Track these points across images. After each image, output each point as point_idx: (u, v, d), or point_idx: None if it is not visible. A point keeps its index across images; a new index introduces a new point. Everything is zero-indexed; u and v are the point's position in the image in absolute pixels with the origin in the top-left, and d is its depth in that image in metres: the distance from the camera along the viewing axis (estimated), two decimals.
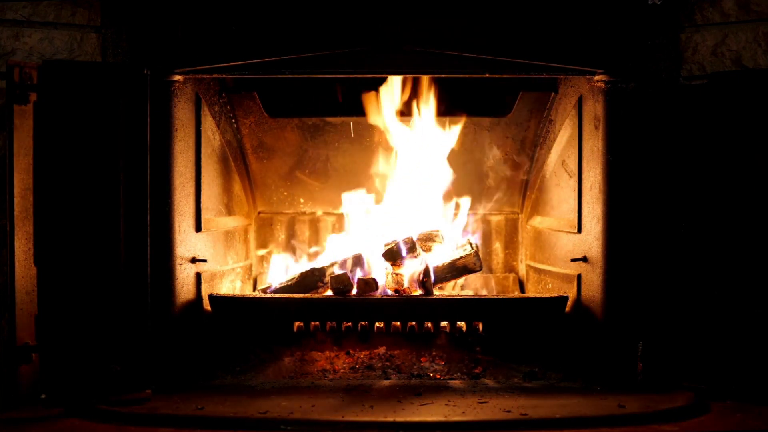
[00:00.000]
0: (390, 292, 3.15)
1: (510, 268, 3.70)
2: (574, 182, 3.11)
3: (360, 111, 3.51)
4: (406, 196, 3.46)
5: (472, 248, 3.26)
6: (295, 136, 3.58)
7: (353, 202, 3.50)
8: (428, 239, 3.27)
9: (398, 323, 3.17)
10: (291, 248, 3.64)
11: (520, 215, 3.67)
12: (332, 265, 3.27)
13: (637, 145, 2.93)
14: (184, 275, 3.02)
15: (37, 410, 2.69)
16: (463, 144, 3.53)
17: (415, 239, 3.18)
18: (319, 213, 3.67)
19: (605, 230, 2.96)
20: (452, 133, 3.49)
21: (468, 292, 3.44)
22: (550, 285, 3.33)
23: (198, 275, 3.09)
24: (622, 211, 2.94)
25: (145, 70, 2.87)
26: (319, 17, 2.90)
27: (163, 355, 2.93)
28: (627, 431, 2.48)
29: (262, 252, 3.64)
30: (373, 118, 3.46)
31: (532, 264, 3.51)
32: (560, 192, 3.29)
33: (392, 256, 3.15)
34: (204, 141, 3.13)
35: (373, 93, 3.43)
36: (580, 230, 3.08)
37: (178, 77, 2.96)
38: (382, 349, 3.19)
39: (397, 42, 2.88)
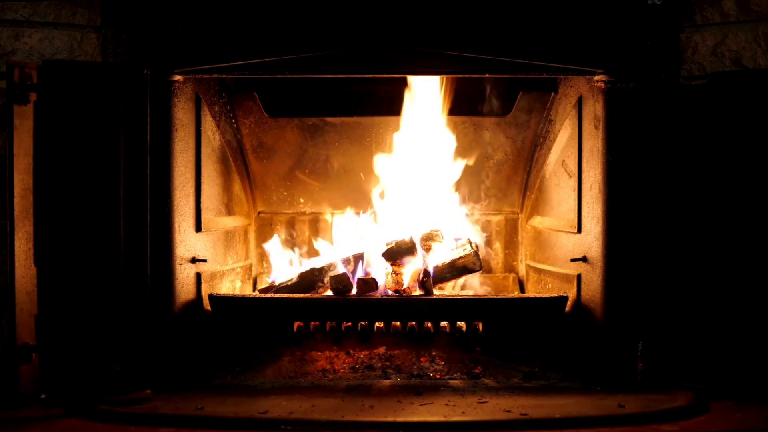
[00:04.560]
0: (390, 292, 3.15)
1: (510, 268, 3.70)
2: (573, 182, 3.11)
3: (360, 111, 3.51)
4: (406, 196, 3.46)
5: (471, 248, 3.26)
6: (295, 136, 3.58)
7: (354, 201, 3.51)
8: (428, 239, 3.27)
9: (398, 323, 3.17)
10: (291, 248, 3.64)
11: (520, 215, 3.67)
12: (332, 265, 3.27)
13: (636, 145, 2.93)
14: (184, 275, 3.02)
15: (37, 410, 2.69)
16: (462, 144, 3.53)
17: (415, 239, 3.19)
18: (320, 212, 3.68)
19: (605, 230, 2.96)
20: (452, 132, 3.49)
21: (468, 292, 3.45)
22: (550, 285, 3.33)
23: (198, 275, 3.09)
24: (622, 211, 2.94)
25: (145, 70, 2.87)
26: (319, 17, 2.90)
27: (163, 355, 2.93)
28: (627, 431, 2.48)
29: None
30: (374, 118, 3.48)
31: (532, 264, 3.51)
32: (560, 192, 3.29)
33: (392, 256, 3.15)
34: (204, 141, 3.13)
35: (373, 92, 3.44)
36: (579, 230, 3.08)
37: (178, 77, 2.96)
38: (382, 349, 3.19)
39: (397, 42, 2.88)
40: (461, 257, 3.25)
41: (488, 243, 3.66)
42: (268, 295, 3.23)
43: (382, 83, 3.42)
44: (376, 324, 3.17)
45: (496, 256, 3.69)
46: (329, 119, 3.55)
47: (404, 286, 3.14)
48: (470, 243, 3.30)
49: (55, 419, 2.60)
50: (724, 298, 2.84)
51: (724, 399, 2.77)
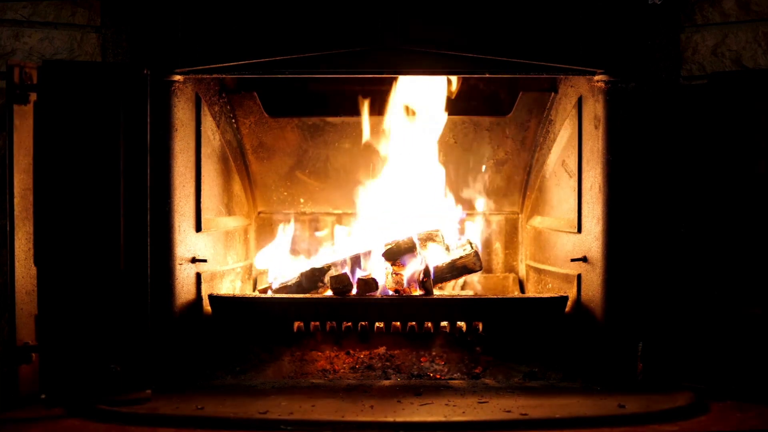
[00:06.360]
0: (390, 292, 3.15)
1: (510, 268, 3.70)
2: (574, 182, 3.11)
3: (360, 111, 3.51)
4: (407, 196, 3.46)
5: (472, 248, 3.26)
6: (295, 136, 3.58)
7: (355, 201, 3.51)
8: (428, 239, 3.27)
9: (398, 323, 3.17)
10: (291, 248, 3.64)
11: (520, 215, 3.67)
12: (332, 265, 3.27)
13: (637, 145, 2.93)
14: (184, 275, 3.02)
15: (37, 410, 2.69)
16: (463, 144, 3.53)
17: (415, 239, 3.19)
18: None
19: (605, 230, 2.96)
20: (452, 132, 3.49)
21: (468, 292, 3.45)
22: (550, 285, 3.33)
23: (198, 275, 3.09)
24: (622, 211, 2.94)
25: (145, 70, 2.86)
26: (319, 17, 2.90)
27: (163, 355, 2.93)
28: (627, 431, 2.48)
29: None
30: (374, 118, 3.48)
31: (532, 264, 3.51)
32: (560, 192, 3.29)
33: (392, 256, 3.15)
34: (204, 141, 3.13)
35: (373, 93, 3.44)
36: (580, 230, 3.08)
37: (178, 77, 2.96)
38: (382, 349, 3.19)
39: (397, 42, 2.88)
40: (461, 257, 3.25)
41: (488, 243, 3.66)
42: (269, 295, 3.23)
43: (383, 83, 3.41)
44: (376, 324, 3.17)
45: (496, 256, 3.69)
46: (329, 119, 3.55)
47: (404, 286, 3.14)
48: (470, 243, 3.30)
49: (55, 419, 2.60)
50: (723, 298, 2.84)
51: (724, 399, 2.77)
